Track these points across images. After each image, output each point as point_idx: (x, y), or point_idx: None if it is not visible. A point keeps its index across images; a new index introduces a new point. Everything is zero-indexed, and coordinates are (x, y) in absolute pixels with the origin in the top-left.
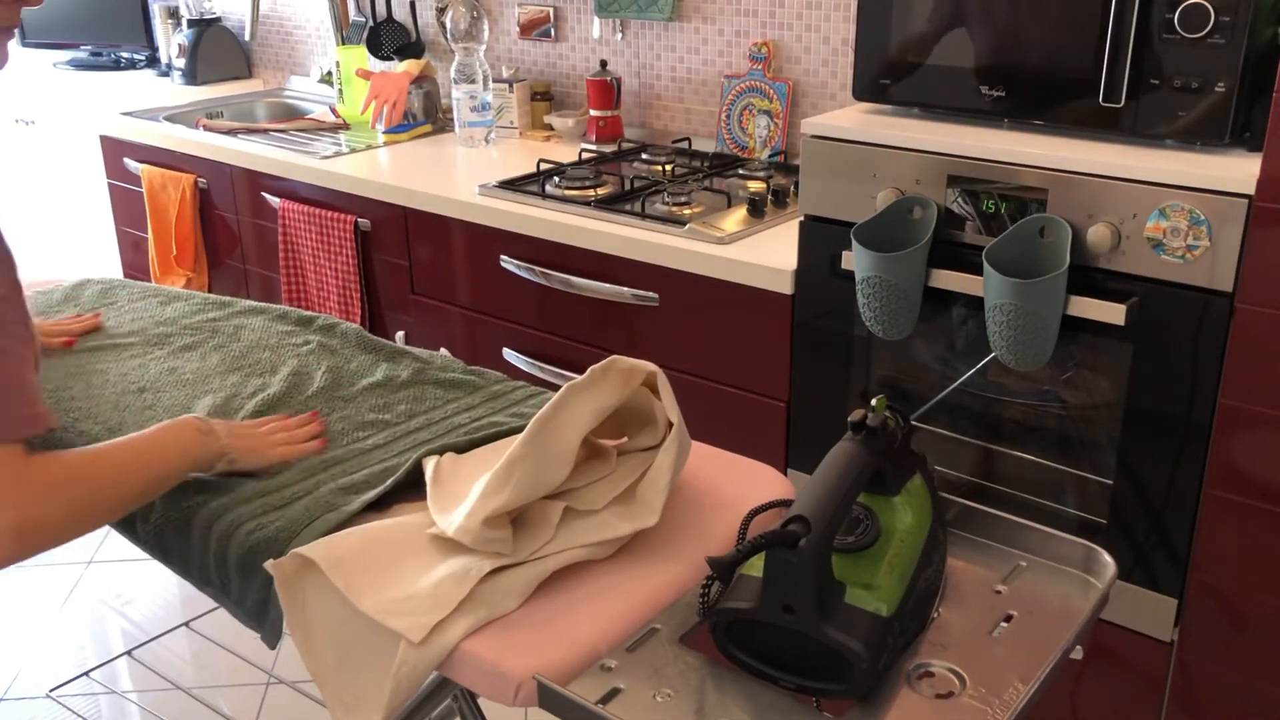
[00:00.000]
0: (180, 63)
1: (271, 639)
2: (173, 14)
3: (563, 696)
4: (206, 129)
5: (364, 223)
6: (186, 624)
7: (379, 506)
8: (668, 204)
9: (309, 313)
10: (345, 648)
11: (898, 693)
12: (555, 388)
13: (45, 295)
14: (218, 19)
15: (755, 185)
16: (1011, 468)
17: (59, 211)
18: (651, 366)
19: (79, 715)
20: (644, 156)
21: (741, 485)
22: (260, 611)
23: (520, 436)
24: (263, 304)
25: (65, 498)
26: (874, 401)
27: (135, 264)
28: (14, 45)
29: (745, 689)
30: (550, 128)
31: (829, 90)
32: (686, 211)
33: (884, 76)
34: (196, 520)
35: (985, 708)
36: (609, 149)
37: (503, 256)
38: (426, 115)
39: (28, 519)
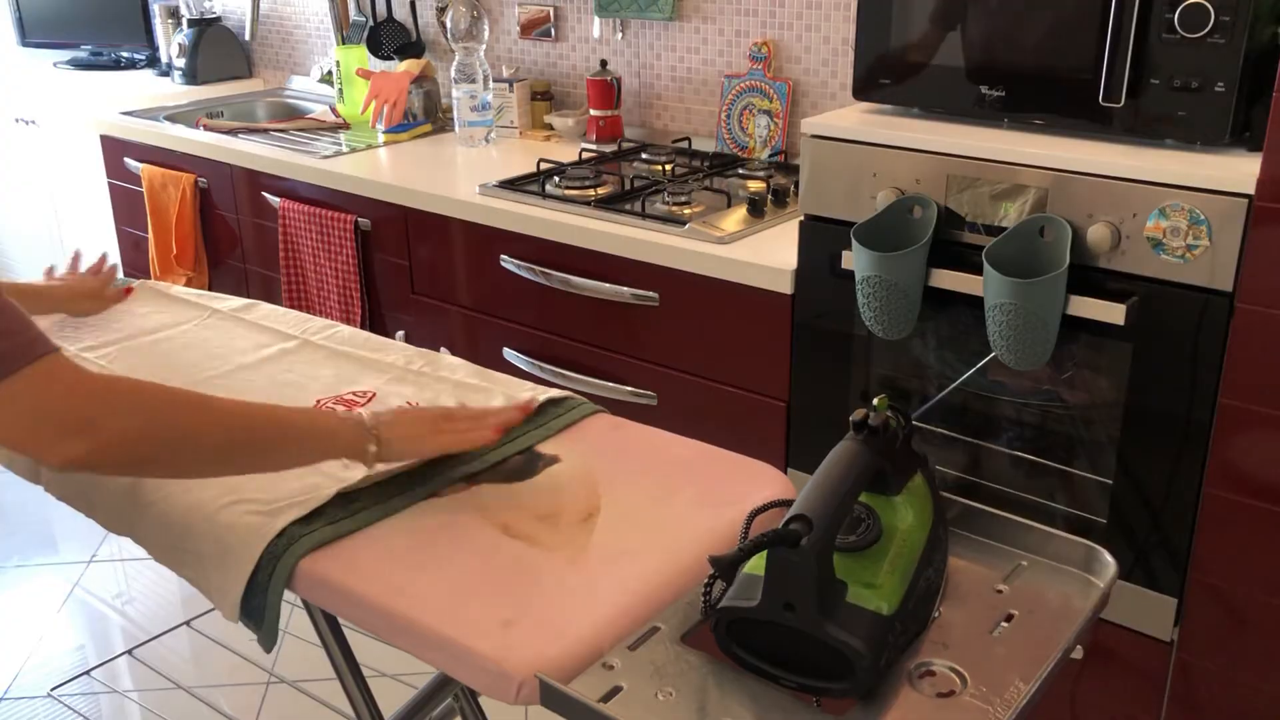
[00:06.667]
0: (180, 62)
1: (268, 642)
2: (173, 14)
3: (564, 695)
4: (207, 128)
5: (364, 222)
6: (187, 623)
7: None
8: (668, 204)
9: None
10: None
11: (899, 692)
12: (557, 387)
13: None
14: (218, 19)
15: (755, 185)
16: (1012, 467)
17: (59, 211)
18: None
19: (80, 714)
20: (644, 156)
21: (741, 485)
22: (257, 613)
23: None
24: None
25: (144, 414)
26: (875, 401)
27: (135, 263)
28: (13, 45)
29: (746, 688)
30: (550, 127)
31: (829, 90)
32: (686, 211)
33: (884, 76)
34: None
35: (986, 706)
36: (609, 149)
37: (503, 256)
38: (426, 115)
39: (92, 416)
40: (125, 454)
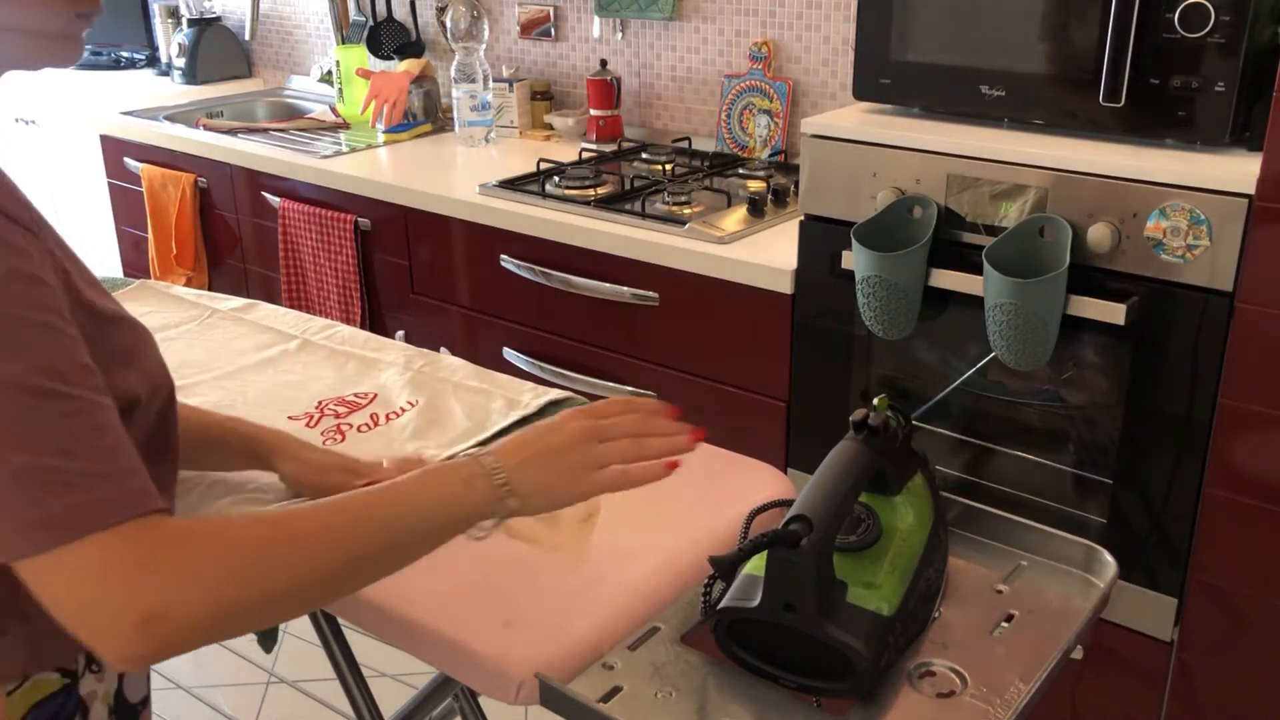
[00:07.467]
0: (180, 62)
1: (268, 642)
2: (173, 13)
3: (564, 695)
4: (206, 128)
5: (364, 222)
6: None
7: None
8: (668, 203)
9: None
10: None
11: (899, 692)
12: (557, 387)
13: None
14: (218, 18)
15: (755, 185)
16: (1011, 467)
17: (59, 211)
18: None
19: None
20: (644, 156)
21: (741, 485)
22: None
23: None
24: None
25: (213, 578)
26: (875, 400)
27: (135, 263)
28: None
29: (746, 688)
30: (550, 127)
31: (829, 90)
32: (686, 211)
33: (884, 76)
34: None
35: (986, 707)
36: (609, 148)
37: (503, 256)
38: (426, 115)
39: (156, 607)
40: (211, 627)
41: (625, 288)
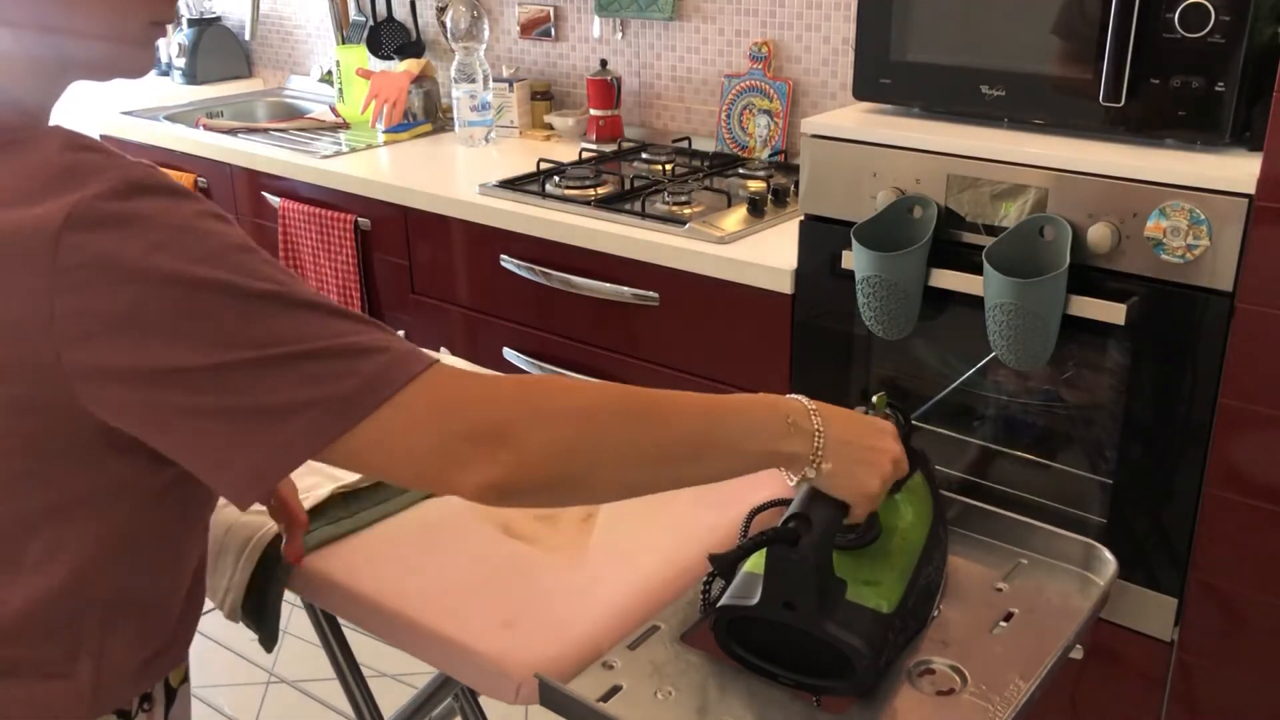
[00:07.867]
0: (180, 62)
1: (269, 642)
2: None
3: (564, 694)
4: (206, 128)
5: (364, 222)
6: None
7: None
8: (668, 203)
9: None
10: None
11: (898, 690)
12: None
13: None
14: (218, 18)
15: (755, 185)
16: (1011, 467)
17: None
18: None
19: None
20: (644, 156)
21: (741, 483)
22: (258, 613)
23: None
24: None
25: (553, 409)
26: (875, 399)
27: None
28: None
29: (746, 686)
30: (550, 127)
31: (829, 90)
32: (686, 211)
33: (884, 76)
34: None
35: (986, 705)
36: (609, 148)
37: (503, 256)
38: (426, 115)
39: (501, 425)
40: (550, 471)
41: (625, 288)
